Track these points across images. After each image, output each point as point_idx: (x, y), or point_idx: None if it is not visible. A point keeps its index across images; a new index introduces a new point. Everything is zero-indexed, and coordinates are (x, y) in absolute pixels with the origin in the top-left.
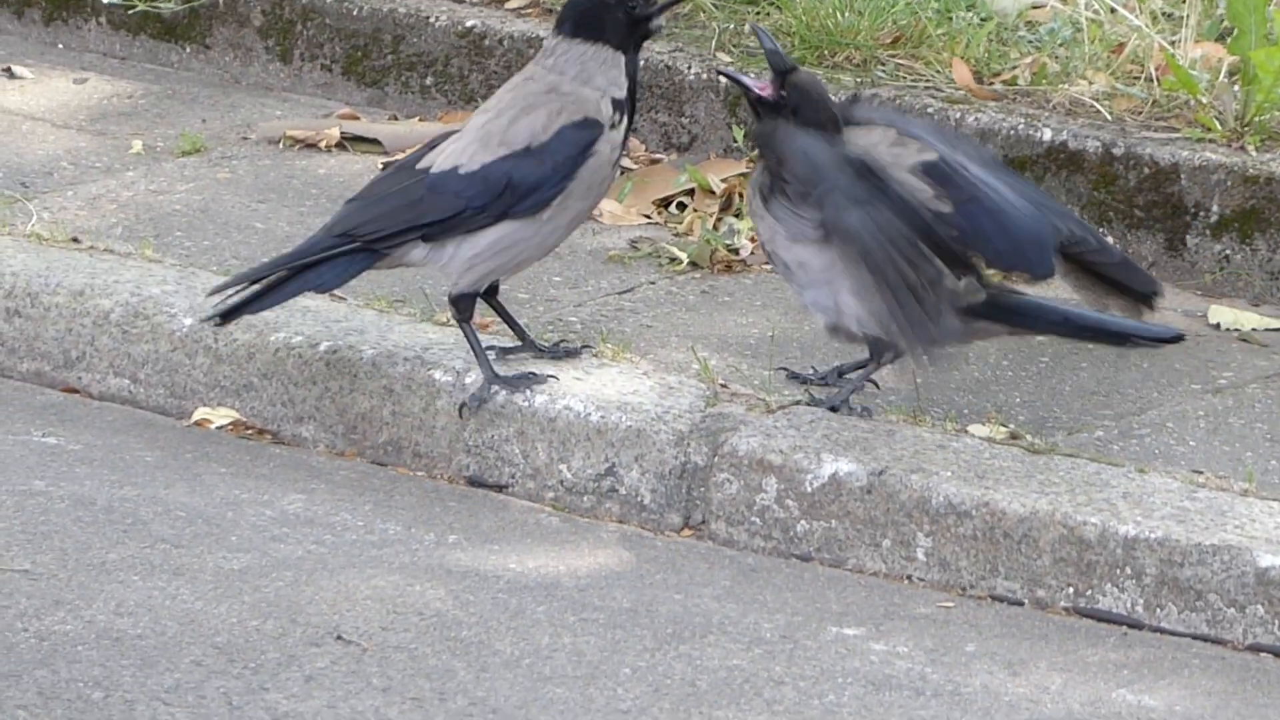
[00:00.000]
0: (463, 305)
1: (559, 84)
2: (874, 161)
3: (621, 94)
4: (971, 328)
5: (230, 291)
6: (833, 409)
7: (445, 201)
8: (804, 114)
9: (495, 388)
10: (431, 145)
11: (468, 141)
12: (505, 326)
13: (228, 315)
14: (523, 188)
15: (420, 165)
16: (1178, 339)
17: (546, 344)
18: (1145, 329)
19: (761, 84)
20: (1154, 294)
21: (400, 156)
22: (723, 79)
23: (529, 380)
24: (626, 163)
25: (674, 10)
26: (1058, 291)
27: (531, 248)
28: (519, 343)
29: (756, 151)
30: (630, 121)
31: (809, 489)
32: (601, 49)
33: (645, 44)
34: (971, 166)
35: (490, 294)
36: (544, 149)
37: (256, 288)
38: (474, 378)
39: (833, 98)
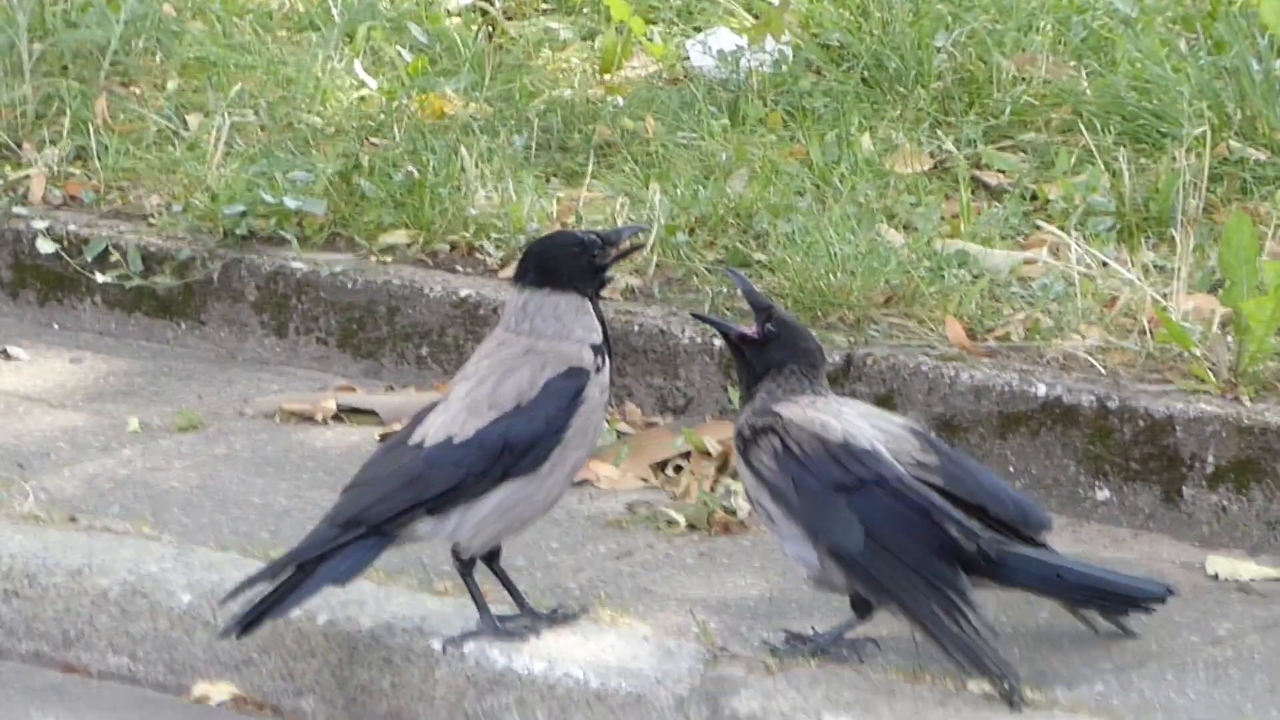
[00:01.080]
0: (467, 559)
1: (534, 344)
2: (863, 445)
3: (598, 339)
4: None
5: (244, 597)
6: (813, 653)
7: (445, 473)
8: (790, 345)
9: (492, 630)
10: (418, 420)
11: (456, 411)
12: (504, 594)
13: (249, 625)
14: (520, 446)
15: (412, 441)
16: (1169, 594)
17: (544, 610)
18: (1140, 588)
19: (744, 327)
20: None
21: (395, 429)
22: (712, 332)
23: (524, 629)
24: (623, 426)
25: (626, 258)
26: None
27: (535, 504)
28: (518, 610)
29: (739, 397)
30: (611, 362)
31: None
32: (570, 297)
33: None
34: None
35: (491, 559)
36: (534, 405)
37: (271, 589)
38: (471, 647)
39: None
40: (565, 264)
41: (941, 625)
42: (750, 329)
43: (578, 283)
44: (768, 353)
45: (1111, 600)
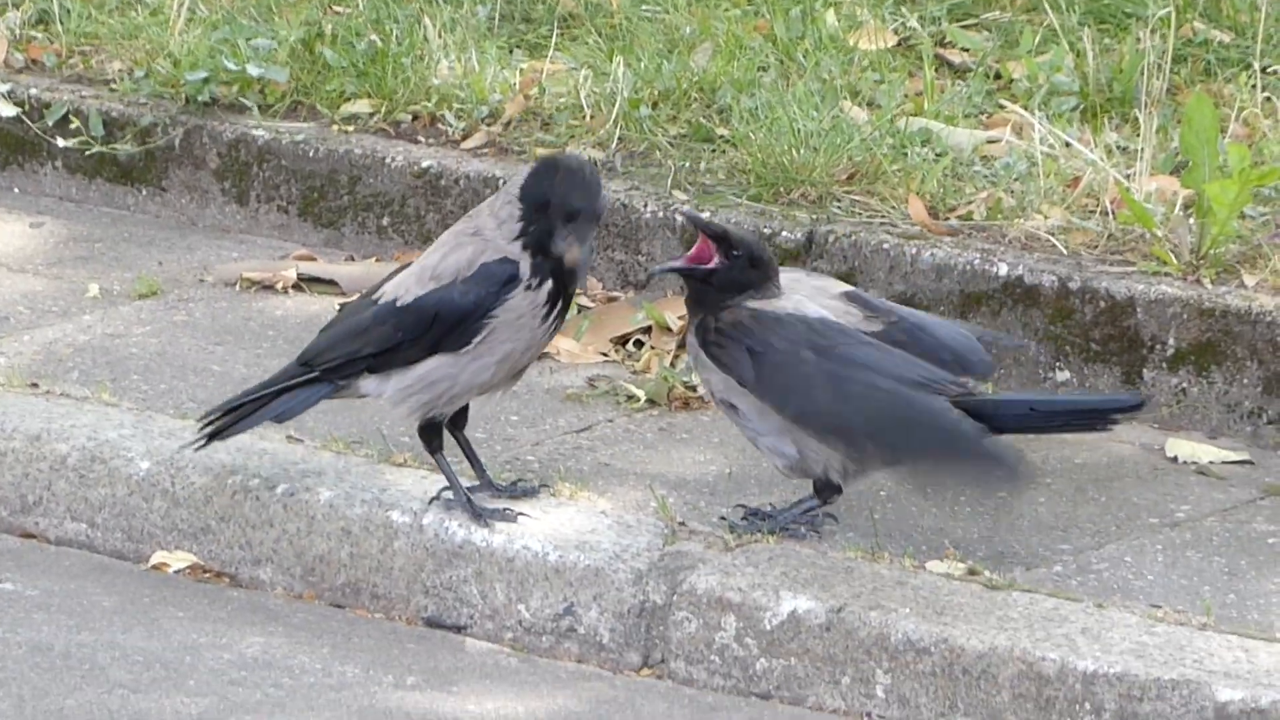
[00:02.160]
0: (429, 438)
1: (483, 229)
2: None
3: (540, 258)
4: None
5: (211, 417)
6: (772, 531)
7: (384, 332)
8: (757, 262)
9: (468, 508)
10: (390, 277)
11: (409, 275)
12: (466, 465)
13: (209, 440)
14: (448, 320)
15: (374, 295)
16: (1143, 403)
17: (503, 483)
18: (1112, 400)
19: (697, 254)
20: None
21: (354, 300)
22: (674, 205)
23: (503, 514)
24: (584, 300)
25: (574, 257)
26: None
27: (460, 383)
28: (477, 481)
29: (690, 303)
30: (564, 289)
31: (768, 627)
32: (518, 209)
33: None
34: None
35: (457, 428)
36: (467, 282)
37: (230, 417)
38: (430, 518)
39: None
40: (533, 190)
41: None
42: (709, 257)
43: (524, 212)
44: (733, 275)
45: (1087, 417)
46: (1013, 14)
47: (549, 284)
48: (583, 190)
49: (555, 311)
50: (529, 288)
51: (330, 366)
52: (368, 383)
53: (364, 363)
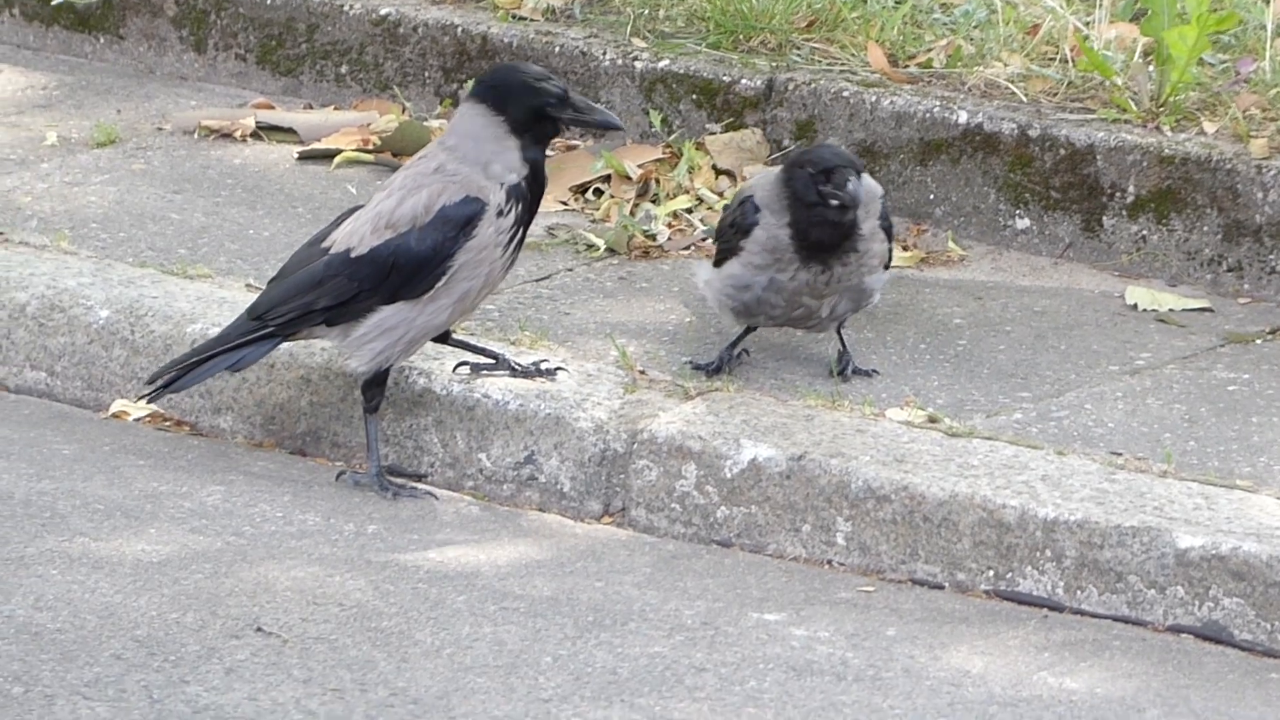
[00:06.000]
0: (371, 394)
1: (446, 164)
2: None
3: (517, 179)
4: None
5: (165, 374)
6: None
7: (340, 285)
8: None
9: (376, 482)
10: (340, 219)
11: (363, 222)
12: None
13: (157, 395)
14: (406, 269)
15: (324, 244)
16: None
17: (522, 364)
18: None
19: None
20: None
21: (314, 148)
22: (634, 53)
23: (409, 491)
24: None
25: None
26: None
27: (416, 327)
28: (492, 360)
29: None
30: (529, 212)
31: (728, 475)
32: (498, 125)
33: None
34: None
35: (443, 338)
36: (425, 230)
37: (183, 365)
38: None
39: None
40: (510, 92)
41: None
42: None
43: (513, 116)
44: None
45: None
46: None
47: (518, 209)
48: (533, 76)
49: (517, 238)
50: (500, 214)
51: (284, 320)
52: (323, 332)
53: (319, 316)
